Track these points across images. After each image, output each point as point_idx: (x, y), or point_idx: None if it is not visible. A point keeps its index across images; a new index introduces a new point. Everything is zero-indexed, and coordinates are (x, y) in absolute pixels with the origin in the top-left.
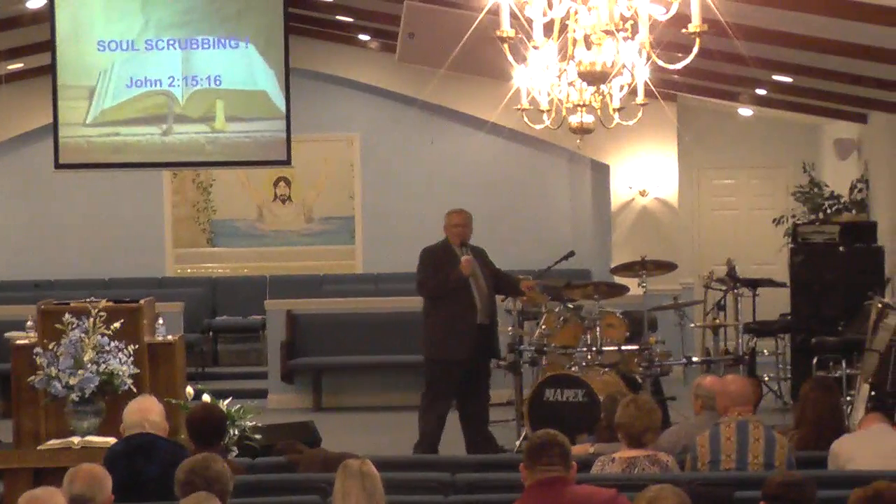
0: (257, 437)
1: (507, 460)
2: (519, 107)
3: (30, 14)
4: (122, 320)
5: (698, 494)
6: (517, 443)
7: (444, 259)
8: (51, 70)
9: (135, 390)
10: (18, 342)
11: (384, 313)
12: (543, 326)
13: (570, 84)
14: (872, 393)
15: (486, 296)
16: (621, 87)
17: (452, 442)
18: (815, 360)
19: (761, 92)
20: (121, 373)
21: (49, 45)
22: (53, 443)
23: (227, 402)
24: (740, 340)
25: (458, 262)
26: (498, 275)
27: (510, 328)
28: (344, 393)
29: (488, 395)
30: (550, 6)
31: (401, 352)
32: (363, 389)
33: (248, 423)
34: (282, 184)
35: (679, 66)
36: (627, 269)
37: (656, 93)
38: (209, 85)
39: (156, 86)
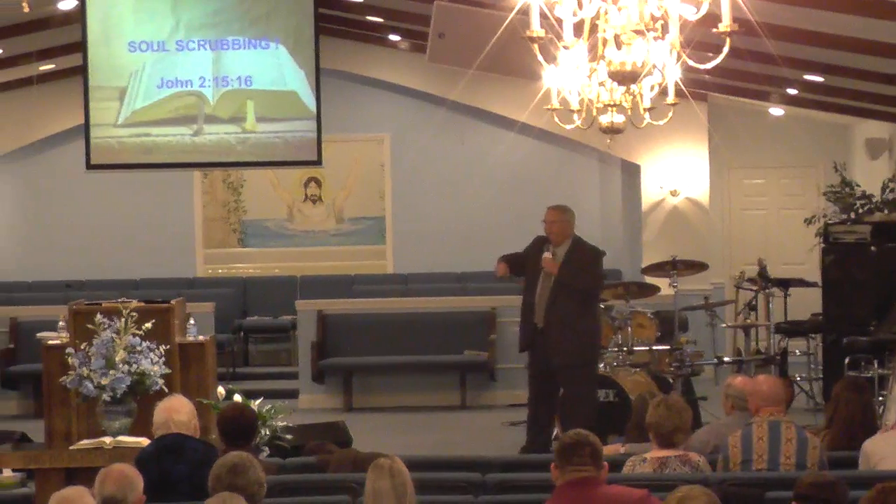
0: (288, 437)
1: (538, 460)
2: (549, 107)
3: (61, 15)
4: (153, 321)
5: (729, 495)
6: None
7: (532, 249)
8: (82, 71)
9: (166, 390)
10: (50, 342)
11: (415, 313)
12: None
13: (601, 84)
14: None
15: (545, 299)
16: (652, 87)
17: (481, 442)
18: (846, 360)
19: (792, 91)
20: (152, 373)
21: (80, 47)
22: (85, 443)
23: (257, 402)
24: (771, 340)
25: (539, 256)
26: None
27: None
28: (374, 393)
29: (556, 402)
30: (580, 6)
31: (431, 352)
32: (394, 390)
33: (279, 424)
34: (312, 184)
35: (709, 65)
36: (658, 269)
37: (687, 92)
38: (240, 85)
39: (186, 86)
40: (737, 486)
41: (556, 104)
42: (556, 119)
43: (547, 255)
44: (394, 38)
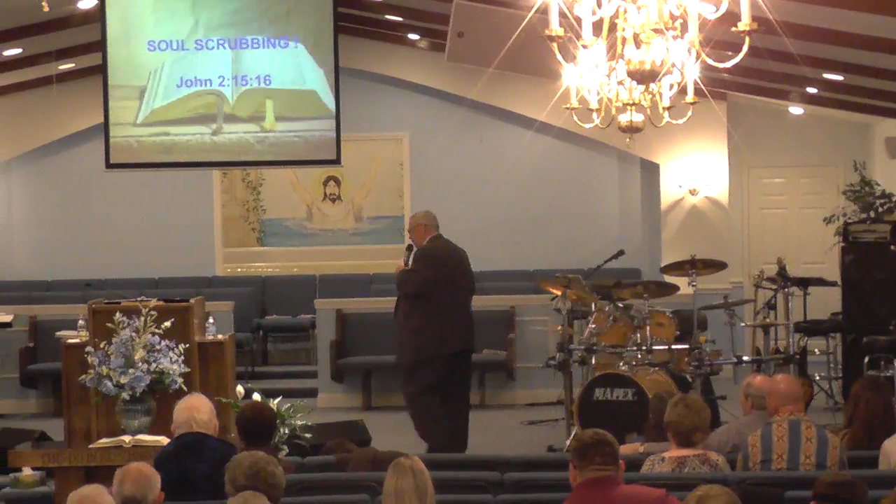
0: (307, 435)
1: (556, 459)
2: (568, 105)
3: (80, 14)
4: (172, 319)
5: (749, 494)
6: (566, 442)
7: None
8: (101, 70)
9: (185, 389)
10: (70, 341)
11: None
12: (593, 325)
13: (620, 83)
14: None
15: None
16: (671, 86)
17: (499, 441)
18: (866, 360)
19: (812, 90)
20: (171, 372)
21: (100, 46)
22: (104, 441)
23: (277, 401)
24: (791, 339)
25: None
26: None
27: (559, 327)
28: (393, 392)
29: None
30: (599, 5)
31: None
32: None
33: (298, 422)
34: (331, 183)
35: (729, 64)
36: (677, 268)
37: (706, 91)
38: (259, 84)
39: (206, 85)
40: (756, 486)
41: (575, 103)
42: (575, 118)
43: (400, 261)
44: (413, 37)
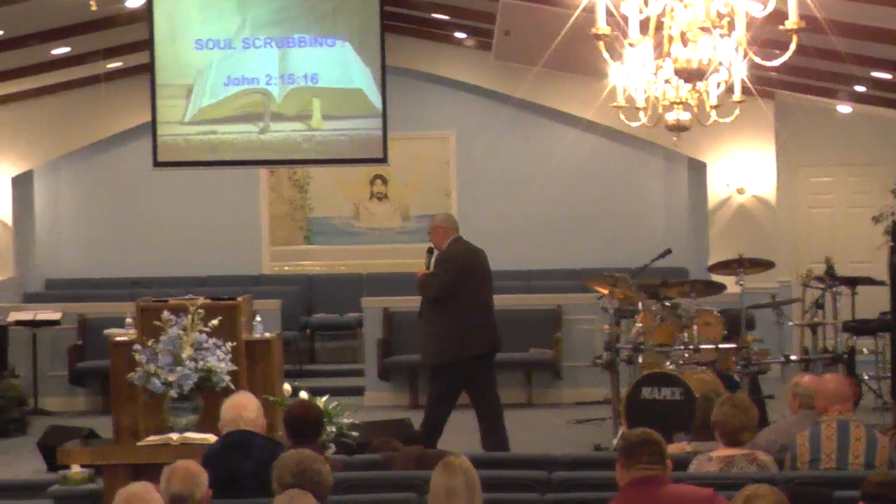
0: (354, 434)
1: (603, 458)
2: (615, 104)
3: (128, 13)
4: (219, 317)
5: (797, 494)
6: (613, 441)
7: None
8: (149, 69)
9: (232, 387)
10: (118, 339)
11: None
12: (640, 325)
13: (667, 81)
14: None
15: None
16: (718, 85)
17: (546, 439)
18: None
19: (860, 89)
20: (219, 370)
21: (147, 45)
22: (152, 439)
23: (323, 399)
24: (839, 339)
25: None
26: None
27: (606, 326)
28: None
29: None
30: (646, 3)
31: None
32: None
33: (345, 421)
34: (378, 181)
35: (776, 63)
36: (724, 266)
37: (753, 90)
38: (306, 83)
39: (253, 84)
40: (804, 485)
41: (621, 101)
42: (622, 116)
43: (421, 265)
44: (459, 35)
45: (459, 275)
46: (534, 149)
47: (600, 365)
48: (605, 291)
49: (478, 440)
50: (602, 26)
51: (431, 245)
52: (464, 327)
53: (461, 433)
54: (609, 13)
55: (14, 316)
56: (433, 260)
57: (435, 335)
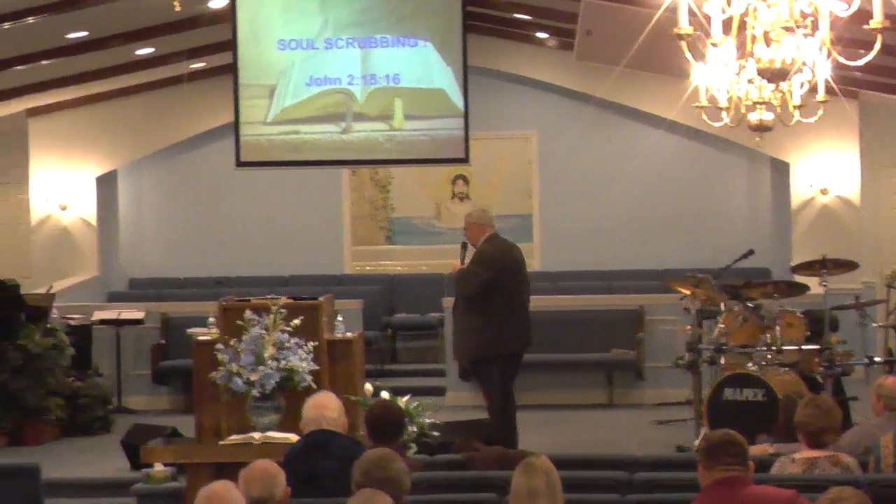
0: (435, 434)
1: (685, 459)
2: (697, 104)
3: (211, 14)
4: (301, 317)
5: (881, 497)
6: (695, 442)
7: None
8: (232, 69)
9: (314, 387)
10: (200, 338)
11: (561, 311)
12: (722, 325)
13: (750, 81)
14: None
15: None
16: (801, 85)
17: (628, 440)
18: None
19: None
20: (300, 369)
21: (230, 45)
22: (234, 438)
23: (405, 399)
24: None
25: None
26: None
27: (689, 327)
28: (521, 391)
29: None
30: (729, 3)
31: (578, 350)
32: (540, 387)
33: (426, 421)
34: (459, 182)
35: (860, 62)
36: (808, 267)
37: (837, 90)
38: (387, 83)
39: (335, 84)
40: (889, 488)
41: (704, 102)
42: (705, 117)
43: (456, 261)
44: (541, 35)
45: (498, 273)
46: (616, 149)
47: (682, 366)
48: (688, 292)
49: (558, 441)
50: (684, 26)
51: (465, 240)
52: (501, 325)
53: (542, 433)
54: (691, 13)
55: (98, 315)
56: (466, 255)
57: (471, 332)
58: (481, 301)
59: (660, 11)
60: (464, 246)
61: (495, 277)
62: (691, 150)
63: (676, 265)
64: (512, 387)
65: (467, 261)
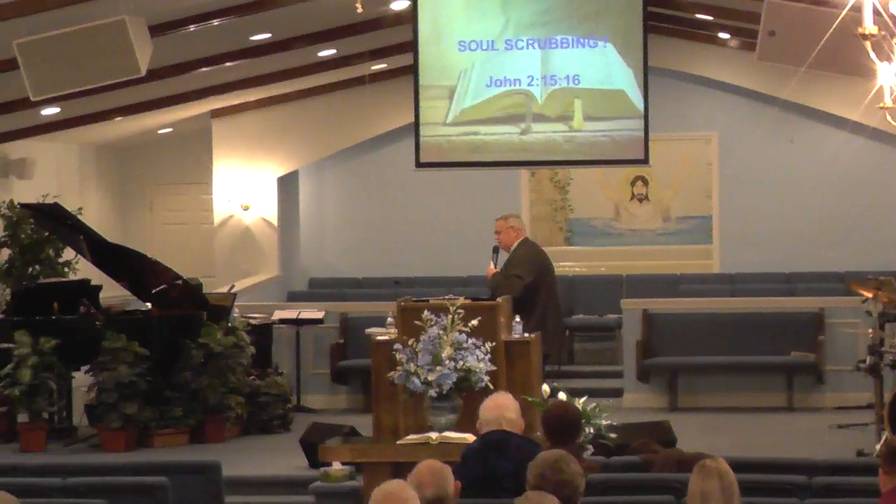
0: (612, 435)
1: (866, 464)
2: (881, 105)
3: (393, 15)
4: (479, 318)
5: None
6: (876, 447)
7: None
8: (413, 70)
9: (491, 387)
10: (379, 338)
11: (741, 313)
12: None
13: None
14: None
15: None
16: None
17: (807, 444)
18: None
19: None
20: (478, 370)
21: (410, 46)
22: (411, 438)
23: (582, 400)
24: None
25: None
26: None
27: (871, 330)
28: (700, 393)
29: None
30: None
31: (757, 353)
32: (719, 390)
33: (603, 422)
34: (639, 183)
35: None
36: None
37: None
38: (567, 84)
39: (515, 85)
40: None
41: (888, 102)
42: (889, 118)
43: (490, 265)
44: (723, 35)
45: (537, 275)
46: (798, 150)
47: (864, 369)
48: (870, 295)
49: (736, 443)
50: (869, 26)
51: (496, 244)
52: (540, 328)
53: (721, 436)
54: (876, 12)
55: (279, 314)
56: (498, 259)
57: None
58: (522, 303)
59: (844, 11)
60: (495, 250)
61: (536, 281)
62: (875, 151)
63: (858, 268)
64: None
65: (500, 265)
